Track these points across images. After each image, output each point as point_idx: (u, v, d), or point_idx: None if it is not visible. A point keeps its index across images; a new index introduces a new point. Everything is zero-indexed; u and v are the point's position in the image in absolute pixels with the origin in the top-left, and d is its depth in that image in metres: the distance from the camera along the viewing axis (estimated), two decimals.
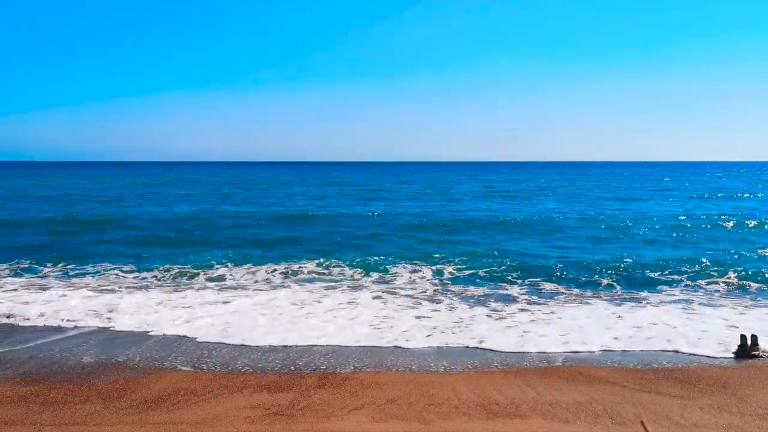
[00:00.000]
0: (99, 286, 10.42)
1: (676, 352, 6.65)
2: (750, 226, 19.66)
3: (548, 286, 10.43)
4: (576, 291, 10.03)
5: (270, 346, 6.87)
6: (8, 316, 8.28)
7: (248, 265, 12.49)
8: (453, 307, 8.86)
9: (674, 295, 9.70)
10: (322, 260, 12.97)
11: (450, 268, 12.13)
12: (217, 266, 12.38)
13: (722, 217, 22.34)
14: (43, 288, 10.21)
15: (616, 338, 7.18)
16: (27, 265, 12.48)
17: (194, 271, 11.84)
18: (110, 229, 19.01)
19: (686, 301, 9.28)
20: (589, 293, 9.88)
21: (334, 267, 12.23)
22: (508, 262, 12.84)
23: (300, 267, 12.19)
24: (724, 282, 10.60)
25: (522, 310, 8.71)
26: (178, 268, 12.14)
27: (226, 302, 9.19)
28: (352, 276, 11.41)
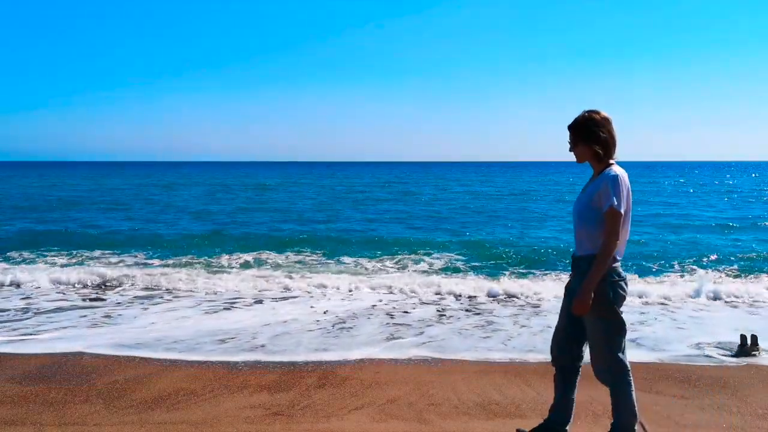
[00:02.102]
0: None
1: (676, 352, 6.64)
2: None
3: (541, 287, 10.39)
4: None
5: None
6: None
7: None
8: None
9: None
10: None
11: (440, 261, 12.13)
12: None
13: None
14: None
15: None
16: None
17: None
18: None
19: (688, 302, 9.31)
20: None
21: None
22: (508, 255, 12.83)
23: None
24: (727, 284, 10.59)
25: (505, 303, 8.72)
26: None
27: None
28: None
